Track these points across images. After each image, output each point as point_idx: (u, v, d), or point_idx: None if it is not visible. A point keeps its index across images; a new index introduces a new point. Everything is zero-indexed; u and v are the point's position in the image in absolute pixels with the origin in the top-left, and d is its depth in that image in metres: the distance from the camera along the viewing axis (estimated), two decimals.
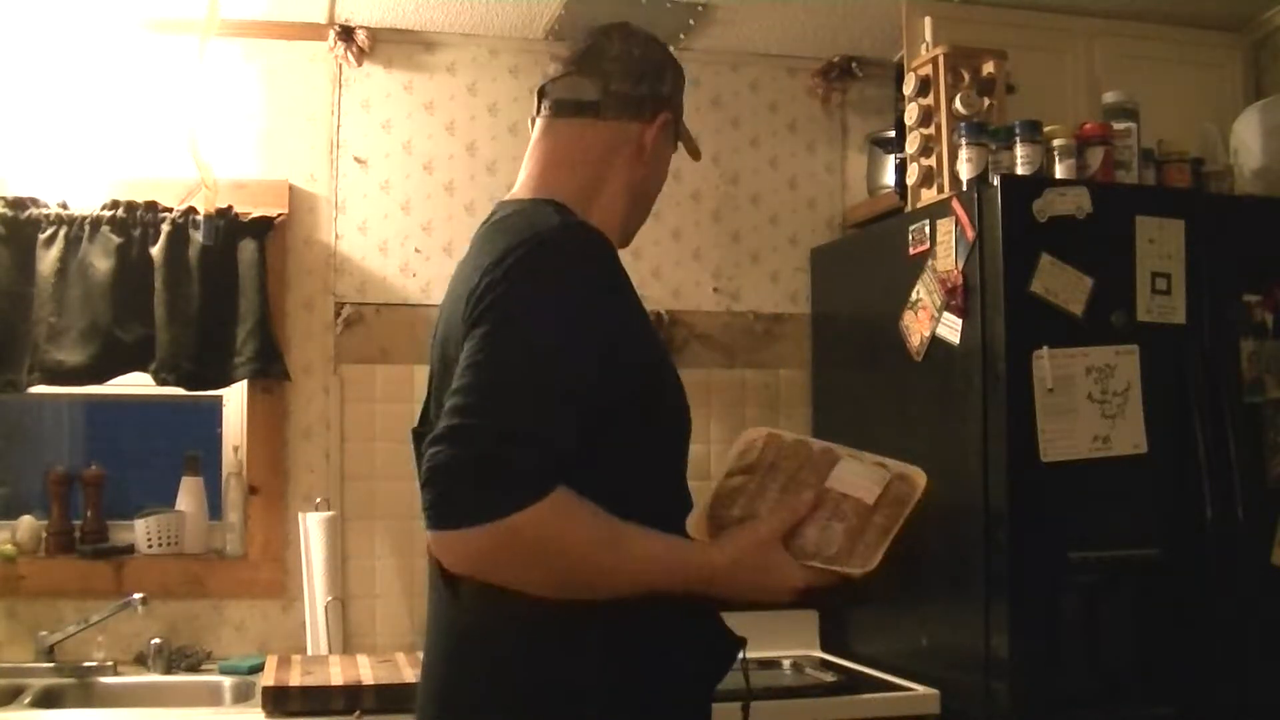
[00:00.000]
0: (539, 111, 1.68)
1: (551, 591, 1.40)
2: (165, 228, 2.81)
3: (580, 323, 1.40)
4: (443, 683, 1.55)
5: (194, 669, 2.75)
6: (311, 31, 3.02)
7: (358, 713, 2.31)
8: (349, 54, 3.02)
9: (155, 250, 2.80)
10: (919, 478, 1.54)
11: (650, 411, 1.51)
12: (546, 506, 1.31)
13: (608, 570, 1.39)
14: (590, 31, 1.67)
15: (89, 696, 2.67)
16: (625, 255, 3.00)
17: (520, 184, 1.66)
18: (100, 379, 2.79)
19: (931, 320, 2.58)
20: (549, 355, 1.37)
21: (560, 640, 1.44)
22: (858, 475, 1.54)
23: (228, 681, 2.69)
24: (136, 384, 2.84)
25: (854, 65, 3.30)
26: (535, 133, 1.68)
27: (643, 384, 1.49)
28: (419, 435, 1.56)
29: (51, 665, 2.71)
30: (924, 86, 2.74)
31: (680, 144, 1.75)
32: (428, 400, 1.63)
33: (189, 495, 2.96)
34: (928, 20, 2.85)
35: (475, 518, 1.30)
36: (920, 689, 2.57)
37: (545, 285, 1.42)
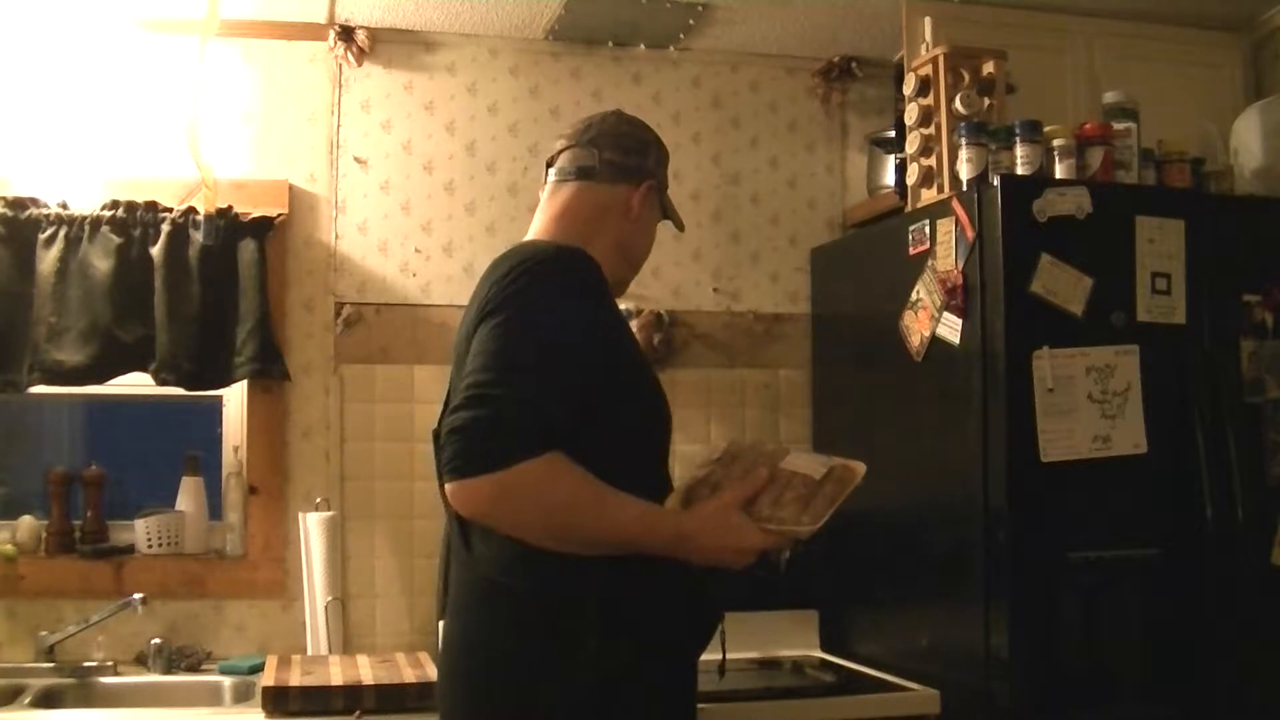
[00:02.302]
0: (546, 180, 2.01)
1: (545, 538, 1.66)
2: (165, 228, 2.81)
3: (575, 320, 1.71)
4: (459, 637, 1.79)
5: (194, 669, 2.75)
6: (311, 31, 3.02)
7: (358, 713, 2.31)
8: (349, 54, 3.02)
9: (155, 250, 2.80)
10: (859, 466, 1.81)
11: (634, 405, 1.79)
12: (543, 463, 1.58)
13: (592, 523, 1.66)
14: (590, 115, 2.05)
15: (89, 696, 2.67)
16: None
17: (527, 235, 1.98)
18: (100, 379, 2.79)
19: (931, 320, 2.58)
20: (551, 342, 1.66)
21: (562, 598, 1.68)
22: (806, 459, 1.83)
23: (228, 681, 2.69)
24: (136, 384, 2.84)
25: (854, 65, 3.31)
26: (543, 197, 2.00)
27: (627, 380, 1.79)
28: (438, 435, 1.74)
29: (51, 665, 2.70)
30: (924, 86, 2.74)
31: (667, 215, 2.07)
32: (446, 401, 1.84)
33: (189, 495, 2.96)
34: (928, 20, 2.85)
35: (483, 468, 1.57)
36: (920, 689, 2.57)
37: (546, 288, 1.71)
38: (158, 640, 2.73)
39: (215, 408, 3.01)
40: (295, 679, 2.42)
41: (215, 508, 2.98)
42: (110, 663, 2.73)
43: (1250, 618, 2.48)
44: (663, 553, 1.71)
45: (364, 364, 3.01)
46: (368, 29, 3.03)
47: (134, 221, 2.81)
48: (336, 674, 2.48)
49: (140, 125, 2.91)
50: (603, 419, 1.71)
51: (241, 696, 2.60)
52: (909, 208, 2.81)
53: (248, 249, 2.86)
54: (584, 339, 1.70)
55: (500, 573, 1.72)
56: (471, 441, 1.58)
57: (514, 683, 1.70)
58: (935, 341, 2.58)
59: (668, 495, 1.84)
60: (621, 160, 1.97)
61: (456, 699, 1.79)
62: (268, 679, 2.42)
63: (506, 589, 1.72)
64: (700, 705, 2.34)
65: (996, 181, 2.45)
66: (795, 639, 3.06)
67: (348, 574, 2.94)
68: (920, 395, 2.66)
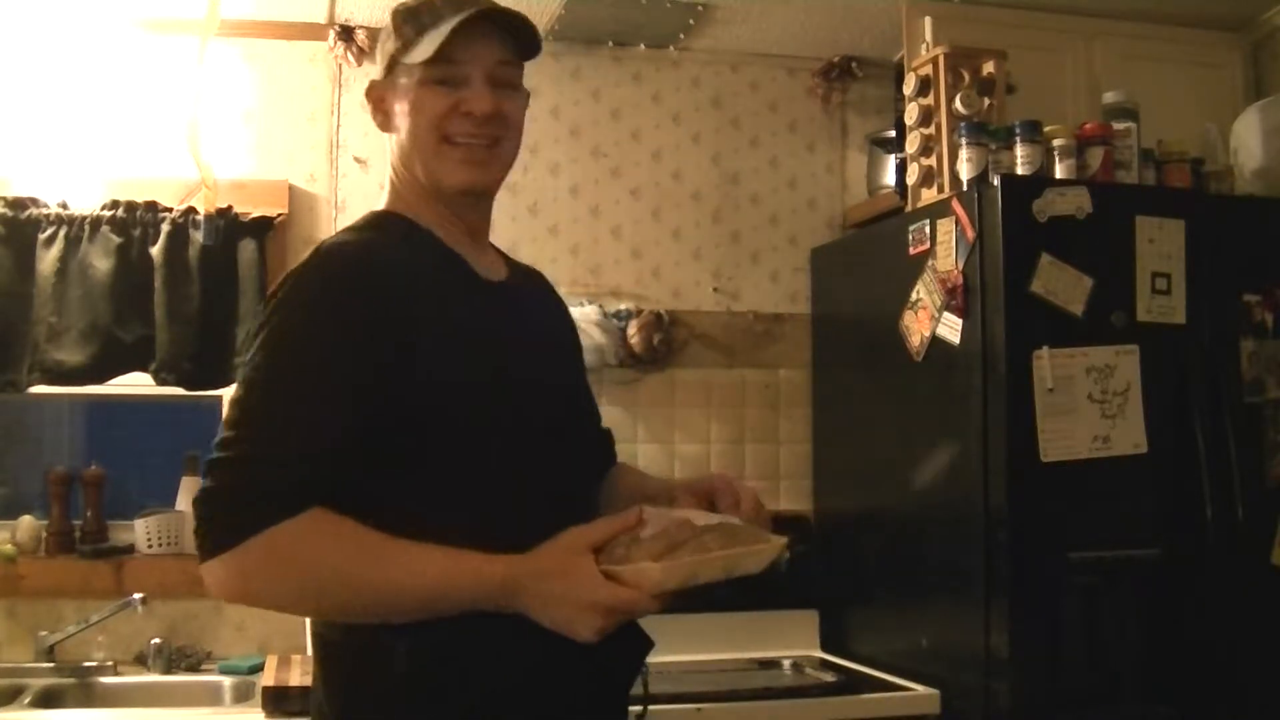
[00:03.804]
0: None
1: (315, 611, 1.43)
2: (165, 228, 2.81)
3: (326, 351, 1.40)
4: (316, 681, 1.52)
5: (194, 669, 2.75)
6: (311, 31, 3.02)
7: None
8: (349, 54, 3.02)
9: (155, 250, 2.80)
10: (773, 539, 1.39)
11: (454, 421, 1.43)
12: (292, 526, 1.31)
13: (373, 584, 1.34)
14: None
15: (89, 696, 2.67)
16: (625, 253, 3.02)
17: None
18: (100, 379, 2.79)
19: (931, 320, 2.58)
20: (292, 387, 1.38)
21: (376, 654, 1.40)
22: (707, 515, 1.43)
23: (228, 681, 2.69)
24: (136, 384, 2.84)
25: (854, 65, 3.31)
26: None
27: (430, 397, 1.42)
28: None
29: (51, 665, 2.70)
30: (924, 86, 2.74)
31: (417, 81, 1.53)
32: None
33: (189, 495, 2.95)
34: (928, 20, 2.85)
35: (217, 548, 1.31)
36: (920, 689, 2.57)
37: (289, 321, 1.44)
38: (158, 640, 2.73)
39: (215, 408, 3.00)
40: (295, 679, 2.42)
41: None
42: (110, 663, 2.73)
43: (1250, 617, 2.48)
44: (495, 607, 1.35)
45: None
46: (368, 29, 3.03)
47: (134, 221, 2.81)
48: None
49: (140, 125, 2.91)
50: (414, 448, 1.41)
51: (241, 696, 2.61)
52: (909, 208, 2.81)
53: (248, 249, 2.86)
54: (358, 347, 1.40)
55: (323, 625, 1.47)
56: (205, 520, 1.32)
57: None
58: (935, 341, 2.58)
59: (548, 520, 1.40)
60: None
61: None
62: (268, 679, 2.42)
63: (322, 640, 1.47)
64: (700, 705, 2.35)
65: (996, 181, 2.45)
66: (795, 639, 3.05)
67: None
68: (920, 395, 2.66)
